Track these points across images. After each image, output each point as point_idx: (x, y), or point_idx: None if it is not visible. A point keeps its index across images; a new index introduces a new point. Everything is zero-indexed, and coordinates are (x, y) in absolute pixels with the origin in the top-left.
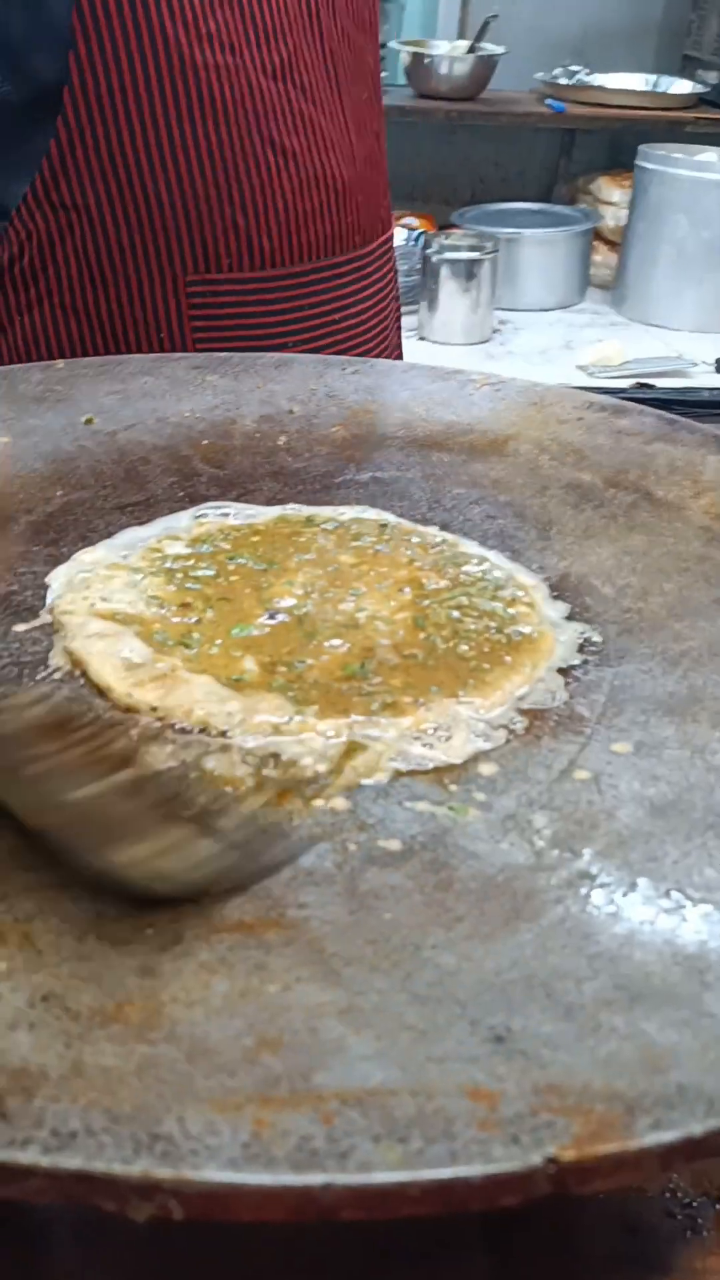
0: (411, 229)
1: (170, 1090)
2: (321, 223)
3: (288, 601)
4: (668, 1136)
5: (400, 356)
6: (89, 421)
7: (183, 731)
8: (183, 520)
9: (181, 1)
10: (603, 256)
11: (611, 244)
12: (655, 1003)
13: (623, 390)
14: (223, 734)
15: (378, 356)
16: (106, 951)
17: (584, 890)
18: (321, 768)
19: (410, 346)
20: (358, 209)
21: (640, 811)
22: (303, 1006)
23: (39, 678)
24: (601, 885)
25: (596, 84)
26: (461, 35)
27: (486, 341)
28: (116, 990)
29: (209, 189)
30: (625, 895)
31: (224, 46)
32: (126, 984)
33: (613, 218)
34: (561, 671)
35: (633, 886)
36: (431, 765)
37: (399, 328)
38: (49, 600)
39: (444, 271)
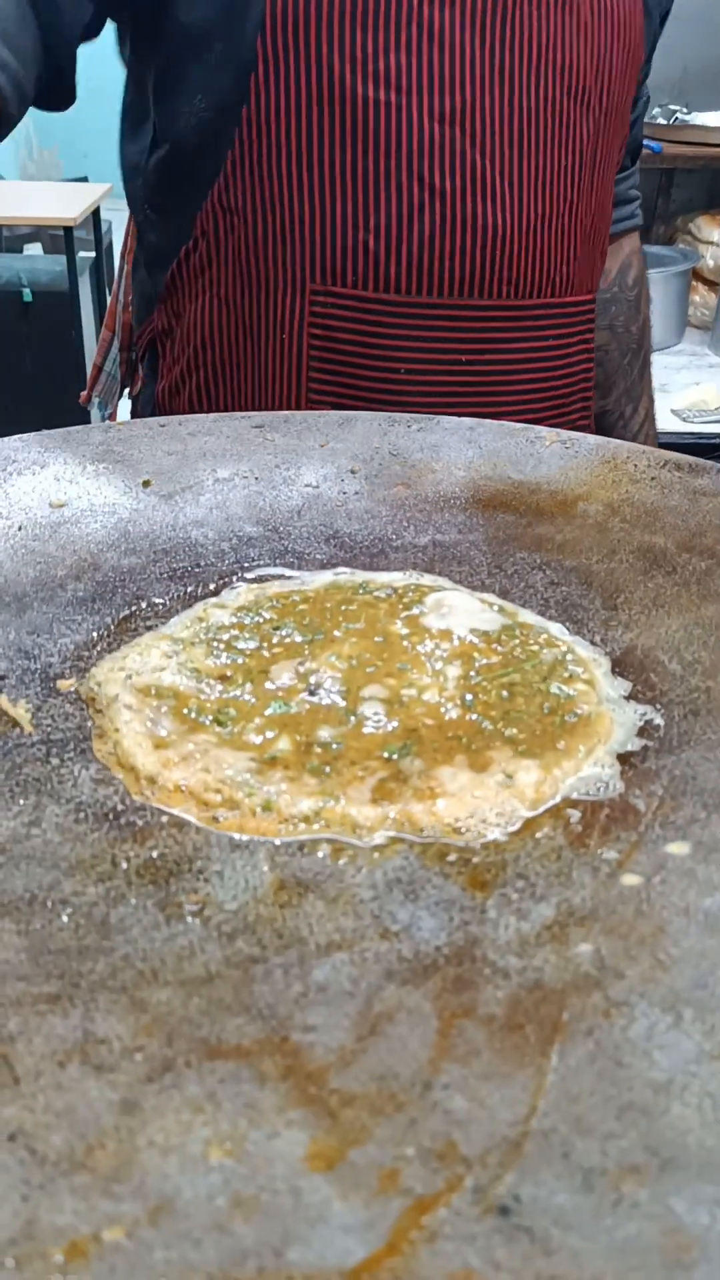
0: None
1: (124, 1261)
2: (462, 263)
3: (330, 676)
4: None
5: (586, 426)
6: (146, 484)
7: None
8: (232, 586)
9: (354, 43)
10: (701, 297)
11: (711, 284)
12: (688, 1173)
13: (719, 435)
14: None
15: (537, 421)
16: (88, 1080)
17: (621, 1022)
18: (345, 861)
19: None
20: (513, 261)
21: (693, 927)
22: (288, 1159)
23: (68, 755)
24: (642, 1016)
25: (697, 123)
26: None
27: None
28: (90, 1130)
29: (345, 209)
30: (667, 1030)
31: (391, 86)
32: (102, 1122)
33: (712, 257)
34: (619, 758)
35: (677, 1019)
36: (466, 864)
37: (583, 405)
38: (87, 672)
39: None
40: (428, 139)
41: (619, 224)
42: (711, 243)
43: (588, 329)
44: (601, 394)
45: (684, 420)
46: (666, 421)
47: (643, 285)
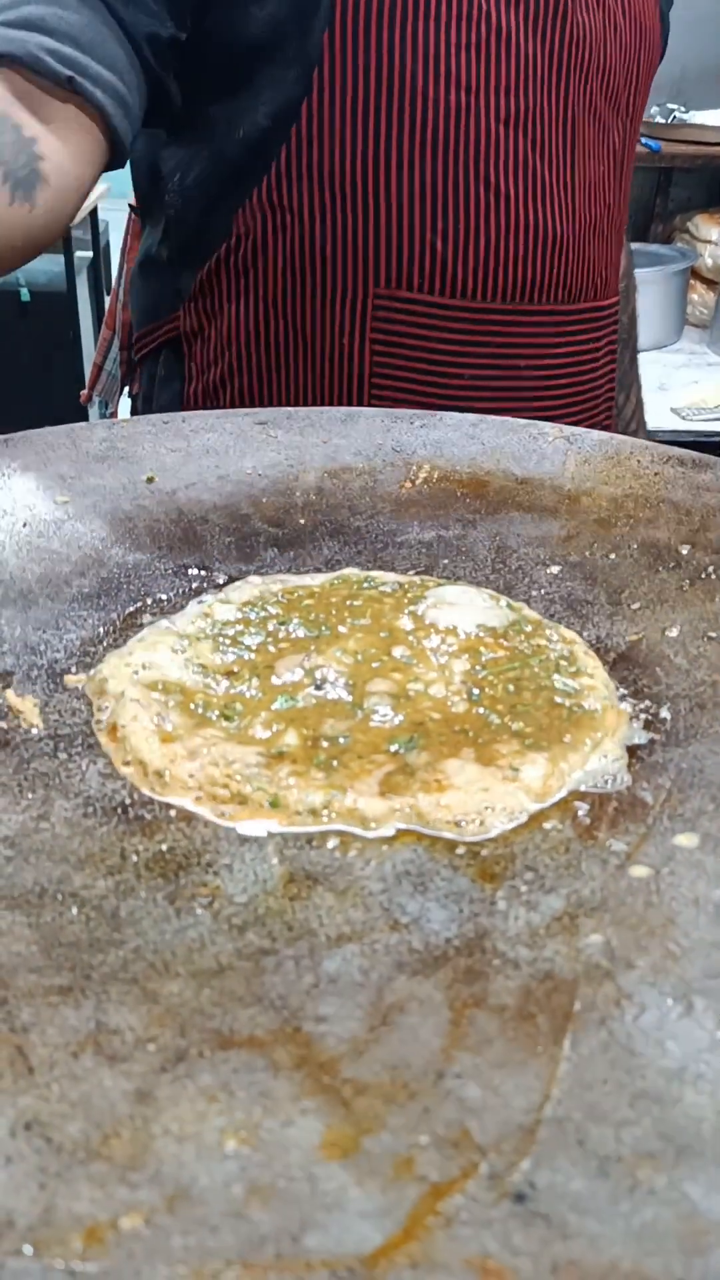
0: None
1: (143, 1248)
2: (525, 268)
3: (336, 671)
4: None
5: (610, 424)
6: (150, 480)
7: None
8: (236, 582)
9: (425, 41)
10: (700, 295)
11: (709, 283)
12: (705, 1159)
13: (718, 434)
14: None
15: (574, 421)
16: (102, 1070)
17: (632, 1012)
18: (353, 853)
19: None
20: (567, 264)
21: (703, 918)
22: (304, 1147)
23: (75, 750)
24: (653, 1005)
25: (695, 122)
26: None
27: None
28: (105, 1119)
29: (413, 212)
30: (679, 1019)
31: (460, 87)
32: (117, 1111)
33: (711, 256)
34: (626, 751)
35: (689, 1009)
36: (474, 856)
37: (608, 404)
38: (94, 667)
39: None
40: (492, 141)
41: None
42: (710, 241)
43: (615, 328)
44: None
45: (683, 419)
46: (666, 420)
47: (631, 278)
